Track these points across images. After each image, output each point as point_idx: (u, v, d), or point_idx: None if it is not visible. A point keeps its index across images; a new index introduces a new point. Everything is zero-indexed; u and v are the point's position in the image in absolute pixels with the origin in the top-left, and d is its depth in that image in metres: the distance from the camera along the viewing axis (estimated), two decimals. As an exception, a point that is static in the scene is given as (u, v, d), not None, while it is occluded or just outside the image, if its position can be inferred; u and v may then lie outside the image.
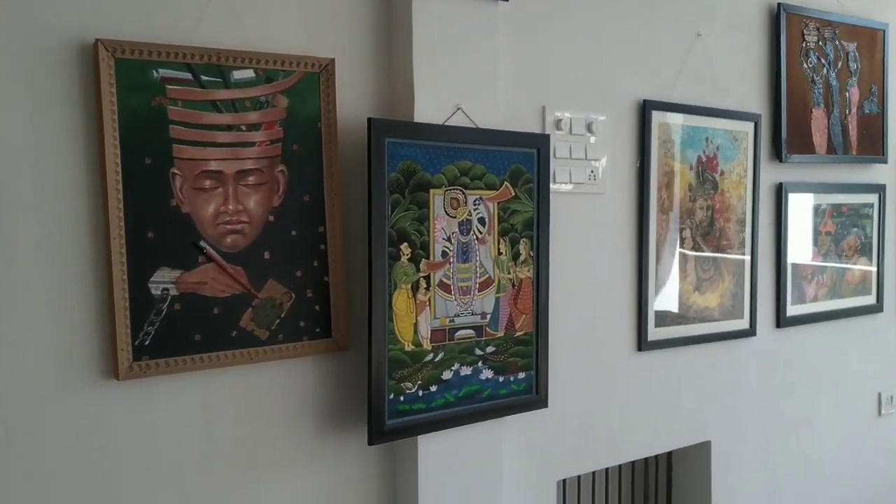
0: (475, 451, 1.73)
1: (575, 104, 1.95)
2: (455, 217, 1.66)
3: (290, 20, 1.53)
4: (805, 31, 2.46)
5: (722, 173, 2.28)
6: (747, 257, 2.36)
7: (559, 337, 1.93)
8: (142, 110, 1.37)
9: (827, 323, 2.62)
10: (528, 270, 1.78)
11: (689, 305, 2.22)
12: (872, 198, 2.75)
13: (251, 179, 1.48)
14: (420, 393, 1.62)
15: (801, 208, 2.51)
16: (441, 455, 1.67)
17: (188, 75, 1.41)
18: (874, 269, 2.77)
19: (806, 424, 2.57)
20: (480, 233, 1.70)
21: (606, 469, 2.25)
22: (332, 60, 1.54)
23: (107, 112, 1.33)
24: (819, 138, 2.52)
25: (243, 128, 1.47)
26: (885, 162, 2.74)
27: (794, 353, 2.52)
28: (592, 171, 2.00)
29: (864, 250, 2.73)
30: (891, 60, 2.74)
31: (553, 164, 1.91)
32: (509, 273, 1.75)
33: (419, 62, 1.60)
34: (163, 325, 1.41)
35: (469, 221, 1.68)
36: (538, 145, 1.78)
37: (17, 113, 1.28)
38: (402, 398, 1.59)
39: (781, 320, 2.48)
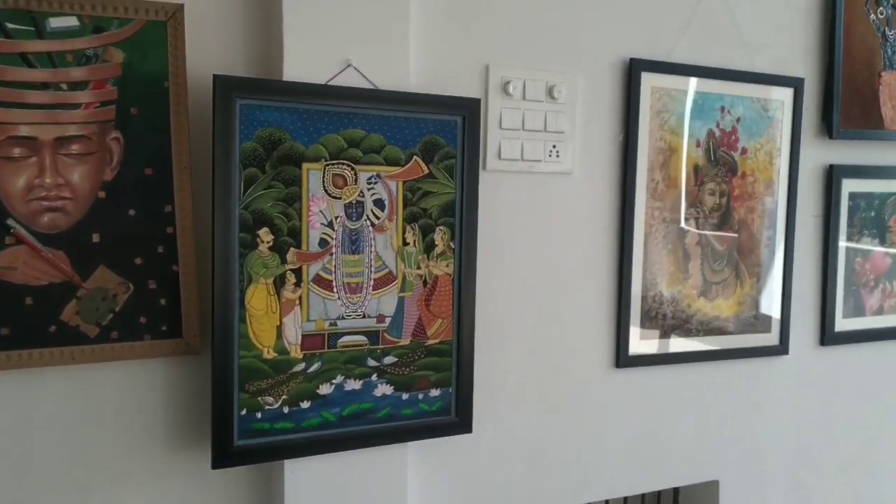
0: (369, 483, 1.46)
1: (532, 63, 1.62)
2: (340, 198, 1.38)
3: (131, -42, 1.29)
4: (874, -26, 1.98)
5: (744, 151, 1.87)
6: (779, 257, 1.93)
7: (503, 347, 1.63)
8: (-70, 66, 1.18)
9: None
10: (447, 266, 1.48)
11: (691, 314, 1.84)
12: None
13: (75, 148, 1.27)
14: (285, 409, 1.36)
15: (861, 197, 2.03)
16: (318, 486, 1.41)
17: (-10, 24, 1.20)
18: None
19: (859, 467, 2.11)
20: (378, 218, 1.41)
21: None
22: (181, 7, 1.30)
23: None
24: (891, 109, 2.03)
25: (64, 86, 1.26)
26: None
27: (846, 377, 2.07)
28: (555, 146, 1.65)
29: (958, 252, 2.20)
30: None
31: (496, 135, 1.59)
32: (419, 268, 1.46)
33: (291, 5, 1.32)
34: (-39, 315, 1.22)
35: (360, 204, 1.40)
36: (464, 111, 1.47)
37: None
38: (258, 415, 1.34)
39: (827, 336, 2.03)
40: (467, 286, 1.51)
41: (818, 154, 1.99)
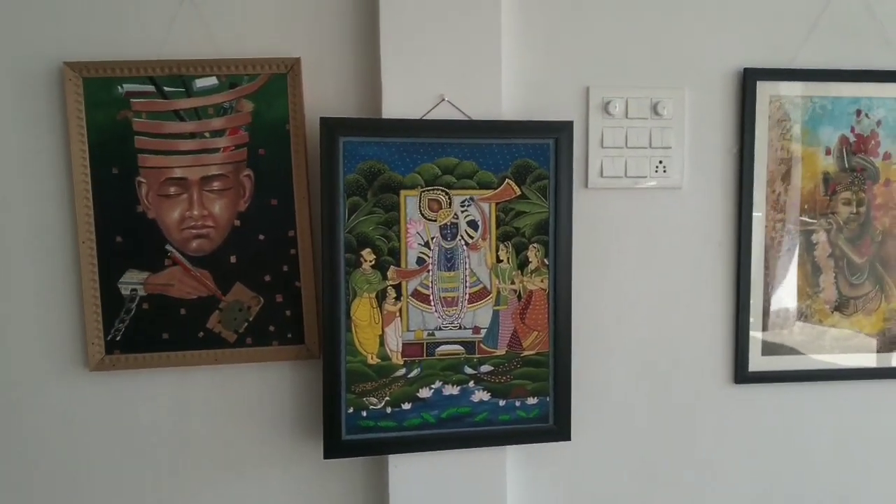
0: (468, 483, 1.62)
1: (634, 81, 1.68)
2: (435, 220, 1.55)
3: (258, 22, 1.57)
4: None
5: (886, 156, 1.78)
6: (936, 269, 1.80)
7: (607, 360, 1.71)
8: (108, 124, 1.52)
9: None
10: (542, 281, 1.59)
11: (824, 329, 1.78)
12: None
13: (216, 185, 1.56)
14: (388, 410, 1.56)
15: None
16: (419, 481, 1.59)
17: (151, 87, 1.53)
18: None
19: None
20: (472, 237, 1.57)
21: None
22: (298, 60, 1.54)
23: (74, 128, 1.51)
24: None
25: (207, 134, 1.55)
26: None
27: None
28: (661, 162, 1.70)
29: None
30: None
31: (598, 154, 1.68)
32: (512, 283, 1.59)
33: (387, 50, 1.53)
34: (133, 322, 1.56)
35: (455, 225, 1.56)
36: (556, 134, 1.58)
37: (7, 132, 1.52)
38: (364, 413, 1.55)
39: None
40: (563, 300, 1.60)
41: None
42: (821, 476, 1.80)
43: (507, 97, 1.60)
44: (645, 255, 1.71)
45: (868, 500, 1.82)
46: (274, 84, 1.55)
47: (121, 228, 1.54)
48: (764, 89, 1.72)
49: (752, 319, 1.75)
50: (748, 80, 1.71)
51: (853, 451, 1.81)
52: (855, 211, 1.77)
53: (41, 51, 1.52)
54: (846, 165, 1.76)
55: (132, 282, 1.55)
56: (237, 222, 1.56)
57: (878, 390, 1.80)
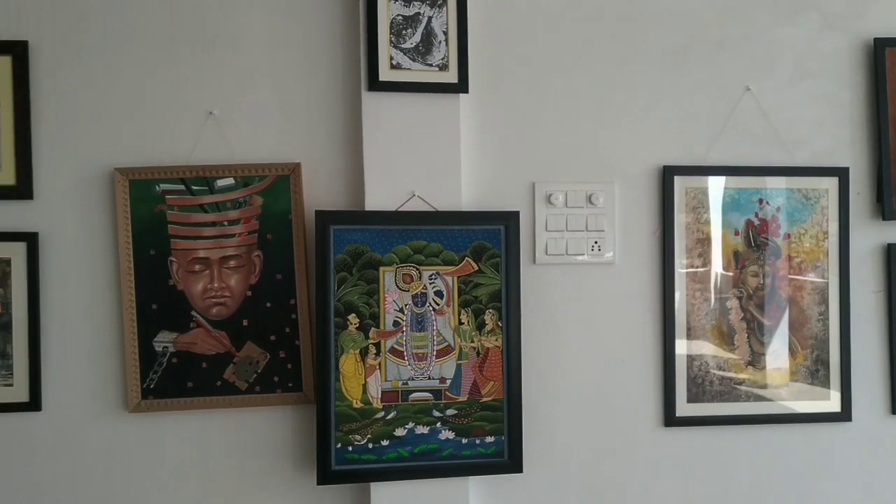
0: (438, 505, 1.95)
1: (573, 177, 2.07)
2: (408, 291, 1.94)
3: (267, 133, 1.98)
4: (922, 65, 2.19)
5: (787, 236, 2.15)
6: (834, 329, 2.16)
7: (554, 405, 2.05)
8: (148, 216, 1.93)
9: None
10: (496, 340, 1.96)
11: (739, 382, 2.13)
12: None
13: (232, 263, 1.96)
14: (370, 445, 1.91)
15: (928, 272, 2.19)
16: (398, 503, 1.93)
17: (182, 187, 1.94)
18: None
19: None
20: (438, 304, 1.95)
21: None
22: (298, 164, 1.96)
23: (121, 219, 1.92)
24: (955, 188, 2.19)
25: (225, 223, 1.96)
26: None
27: (925, 445, 2.19)
28: (596, 242, 2.09)
29: None
30: None
31: (544, 236, 2.06)
32: (472, 342, 1.96)
33: (369, 156, 1.93)
34: (164, 373, 1.94)
35: (424, 294, 1.94)
36: (506, 222, 1.97)
37: (68, 223, 1.94)
38: (350, 448, 1.91)
39: (899, 405, 2.18)
40: (514, 355, 1.97)
41: (876, 234, 2.18)
42: (740, 507, 2.12)
43: (466, 192, 2.00)
44: (585, 317, 2.08)
45: (783, 529, 2.13)
46: (280, 183, 1.96)
47: (156, 298, 1.94)
48: (681, 182, 2.11)
49: (677, 372, 2.10)
50: (667, 175, 2.10)
51: (766, 486, 2.13)
52: (762, 282, 2.14)
53: (96, 158, 1.94)
54: (753, 244, 2.13)
55: (164, 340, 1.94)
56: (249, 293, 1.96)
57: (784, 433, 2.13)
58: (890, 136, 2.15)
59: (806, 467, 2.14)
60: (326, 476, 1.88)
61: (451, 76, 1.97)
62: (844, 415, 2.14)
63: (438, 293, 1.93)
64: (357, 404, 1.90)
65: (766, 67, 2.15)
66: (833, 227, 2.15)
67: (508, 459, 1.96)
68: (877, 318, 2.17)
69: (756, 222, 2.12)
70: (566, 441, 2.05)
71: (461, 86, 1.97)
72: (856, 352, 2.14)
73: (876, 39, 2.16)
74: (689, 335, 2.09)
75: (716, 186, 2.11)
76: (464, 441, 1.94)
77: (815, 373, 2.14)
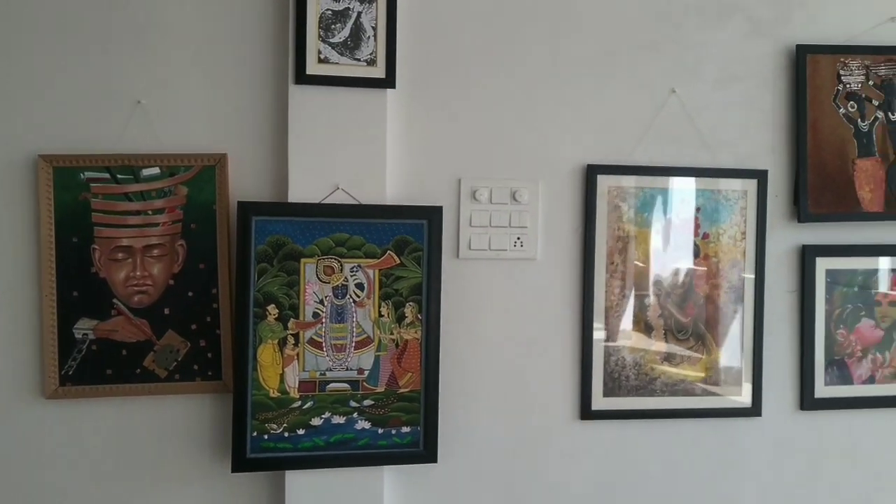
0: (352, 497, 1.99)
1: (498, 174, 2.11)
2: (329, 283, 1.96)
3: (195, 123, 1.99)
4: (842, 72, 2.25)
5: (705, 236, 2.21)
6: (748, 328, 2.22)
7: (473, 397, 2.09)
8: (71, 203, 1.94)
9: (894, 410, 2.29)
10: (415, 332, 2.00)
11: (655, 377, 2.19)
12: (984, 261, 2.33)
13: (155, 252, 1.97)
14: (286, 434, 1.95)
15: (841, 274, 2.26)
16: (312, 494, 1.97)
17: (107, 175, 1.95)
18: None
19: (852, 528, 2.28)
20: (358, 296, 1.98)
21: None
22: (225, 155, 1.97)
23: (44, 206, 1.92)
24: (869, 193, 2.26)
25: (150, 212, 1.97)
26: None
27: (832, 441, 2.27)
28: (519, 238, 2.13)
29: (965, 325, 2.32)
30: None
31: (467, 231, 2.10)
32: (392, 334, 1.99)
33: (294, 149, 1.95)
34: (83, 360, 1.96)
35: (345, 286, 1.97)
36: (429, 216, 2.00)
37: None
38: (265, 436, 1.94)
39: (807, 402, 2.26)
40: (432, 348, 2.01)
41: (792, 236, 2.25)
42: (650, 499, 2.18)
43: (391, 186, 2.03)
44: (506, 312, 2.12)
45: (692, 519, 2.21)
46: (205, 173, 1.97)
47: (78, 285, 1.95)
48: (603, 181, 2.16)
49: (594, 367, 2.15)
50: (590, 173, 2.15)
51: (678, 477, 2.20)
52: (680, 280, 2.19)
53: (20, 144, 1.94)
54: (672, 243, 2.19)
55: (84, 328, 1.95)
56: (171, 282, 1.97)
57: (698, 427, 2.19)
58: (808, 140, 2.21)
59: (717, 460, 2.21)
60: (241, 464, 1.91)
61: (378, 71, 2.00)
62: (755, 410, 2.22)
63: (359, 285, 1.97)
64: (274, 394, 1.93)
65: (692, 71, 2.19)
66: (751, 228, 2.20)
67: (424, 450, 2.00)
68: (790, 317, 2.24)
69: (676, 222, 2.18)
70: (483, 432, 2.10)
71: (388, 81, 2.00)
72: (768, 349, 2.21)
73: (798, 46, 2.22)
74: (608, 331, 2.14)
75: (638, 186, 2.15)
76: (380, 431, 1.98)
77: (729, 369, 2.20)
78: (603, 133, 2.15)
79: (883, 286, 2.27)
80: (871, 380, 2.28)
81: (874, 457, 2.27)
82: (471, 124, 2.09)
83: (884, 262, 2.27)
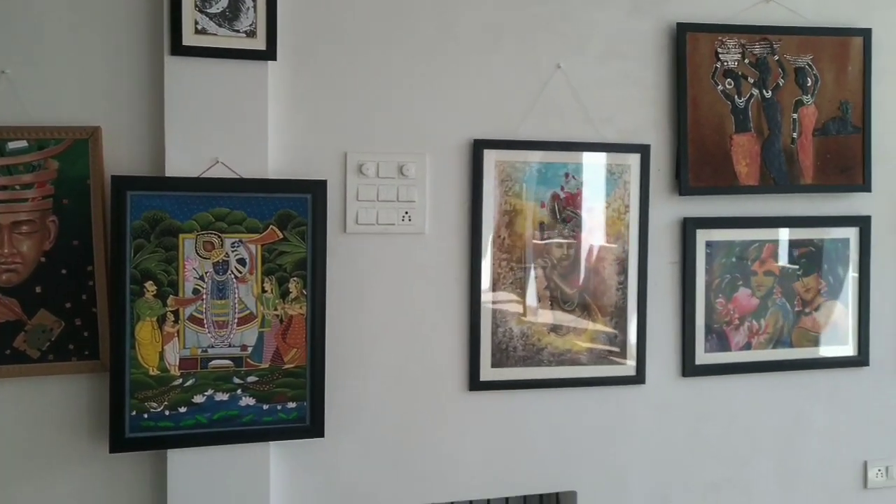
0: (237, 474, 1.98)
1: (385, 148, 2.11)
2: (209, 258, 1.93)
3: (66, 95, 1.92)
4: (720, 50, 2.32)
5: (591, 209, 2.25)
6: (632, 298, 2.29)
7: (363, 372, 2.10)
8: (-69, 177, 1.85)
9: (768, 375, 2.40)
10: (300, 308, 1.99)
11: (542, 347, 2.23)
12: (847, 232, 2.46)
13: (24, 228, 1.90)
14: (167, 412, 1.91)
15: (720, 245, 2.35)
16: (195, 472, 1.95)
17: (-31, 147, 1.86)
18: (853, 315, 2.46)
19: (731, 487, 2.38)
20: (240, 272, 1.95)
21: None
22: (98, 128, 1.91)
23: None
24: (745, 167, 2.35)
25: (17, 187, 1.89)
26: (868, 190, 2.43)
27: (712, 405, 2.37)
28: (407, 212, 2.13)
29: (833, 293, 2.45)
30: (877, 71, 2.42)
31: (354, 206, 2.09)
32: (276, 310, 1.98)
33: (171, 121, 1.91)
34: (-52, 342, 1.87)
35: (226, 262, 1.94)
36: (313, 190, 1.99)
37: None
38: (145, 415, 1.90)
39: (688, 368, 2.34)
40: (318, 323, 2.00)
41: (674, 209, 2.32)
42: (539, 464, 2.24)
43: (275, 160, 2.01)
44: (395, 286, 2.13)
45: (578, 483, 2.28)
46: (77, 147, 1.91)
47: (-60, 263, 1.86)
48: (490, 156, 2.18)
49: (482, 338, 2.19)
50: (477, 148, 2.17)
51: (566, 443, 2.26)
52: (566, 253, 2.25)
53: None
54: (558, 217, 2.23)
55: (-51, 308, 1.87)
56: (43, 259, 1.91)
57: (585, 396, 2.26)
58: (689, 116, 2.29)
59: (603, 428, 2.28)
60: (119, 444, 1.88)
61: (259, 43, 1.97)
62: (639, 378, 2.29)
63: (241, 261, 1.95)
64: (154, 371, 1.90)
65: (577, 47, 2.23)
66: (634, 202, 2.27)
67: (310, 424, 2.00)
68: (672, 287, 2.32)
69: (562, 195, 2.22)
70: (372, 406, 2.11)
71: (269, 53, 1.97)
72: (651, 319, 2.28)
73: (679, 24, 2.28)
74: (496, 303, 2.18)
75: (524, 160, 2.18)
76: (265, 407, 1.97)
77: (614, 338, 2.27)
78: (490, 107, 2.17)
79: (758, 257, 2.37)
80: (747, 346, 2.38)
81: (751, 420, 2.38)
82: (356, 97, 2.08)
83: (759, 234, 2.37)
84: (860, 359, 2.46)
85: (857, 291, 2.45)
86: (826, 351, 2.45)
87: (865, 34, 2.41)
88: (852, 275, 2.44)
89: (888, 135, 2.43)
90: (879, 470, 2.49)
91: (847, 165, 2.42)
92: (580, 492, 2.27)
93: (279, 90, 2.00)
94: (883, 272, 2.45)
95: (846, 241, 2.44)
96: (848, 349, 2.46)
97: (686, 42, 2.29)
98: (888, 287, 2.46)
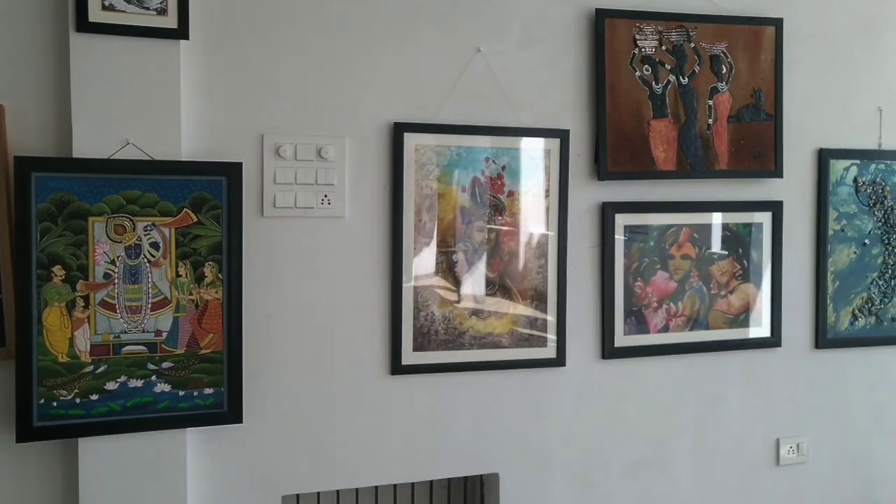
0: (153, 460, 1.96)
1: (303, 130, 2.10)
2: (121, 242, 1.90)
3: (-35, 73, 1.87)
4: (638, 37, 2.38)
5: (511, 194, 2.29)
6: (552, 282, 2.33)
7: (282, 357, 2.09)
8: None
9: (685, 356, 2.48)
10: (216, 292, 1.98)
11: (464, 331, 2.26)
12: (761, 217, 2.55)
13: (-77, 211, 1.84)
14: (77, 400, 1.88)
15: (639, 229, 2.41)
16: (108, 461, 1.92)
17: None
18: (767, 297, 2.56)
19: (650, 467, 2.46)
20: (154, 256, 1.93)
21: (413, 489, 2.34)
22: (1, 107, 1.86)
23: None
24: (662, 152, 2.42)
25: (-86, 168, 1.83)
26: (779, 176, 2.52)
27: (631, 386, 2.43)
28: (326, 196, 2.13)
29: (746, 276, 2.54)
30: (788, 60, 2.52)
31: (272, 189, 2.08)
32: (191, 294, 1.96)
33: (78, 101, 1.87)
34: None
35: (138, 246, 1.91)
36: (228, 173, 1.97)
37: None
38: (55, 403, 1.87)
39: (608, 351, 2.40)
40: (235, 308, 2.00)
41: (593, 193, 2.38)
42: (461, 448, 2.28)
43: (190, 142, 1.99)
44: (314, 270, 2.14)
45: (500, 465, 2.32)
46: (-22, 126, 1.86)
47: None
48: (410, 139, 2.20)
49: (404, 322, 2.21)
50: (397, 132, 2.18)
51: (488, 426, 2.30)
52: (487, 237, 2.28)
53: None
54: (479, 201, 2.27)
55: None
56: (-55, 243, 1.86)
57: (506, 379, 2.30)
58: (607, 101, 2.34)
59: (524, 410, 2.33)
60: (27, 433, 1.85)
61: (170, 21, 1.95)
62: (560, 360, 2.35)
63: (154, 245, 1.93)
64: (63, 358, 1.87)
65: (497, 31, 2.26)
66: (554, 186, 2.32)
67: (228, 410, 2.00)
68: (592, 271, 2.38)
69: (483, 180, 2.25)
70: (292, 391, 2.12)
71: (181, 31, 1.95)
72: (571, 302, 2.33)
73: (598, 10, 2.34)
74: (417, 287, 2.20)
75: (445, 144, 2.21)
76: (181, 393, 1.96)
77: (535, 322, 2.32)
78: (410, 90, 2.19)
79: (676, 241, 2.44)
80: (665, 328, 2.46)
81: (669, 400, 2.46)
82: (273, 79, 2.07)
83: (676, 218, 2.44)
84: (773, 340, 2.56)
85: (770, 274, 2.54)
86: (740, 332, 2.53)
87: (777, 24, 2.49)
88: (765, 258, 2.53)
89: (799, 122, 2.52)
90: (791, 447, 2.60)
91: (760, 152, 2.51)
92: (502, 473, 2.31)
93: (192, 70, 1.98)
94: (794, 255, 2.55)
95: (760, 226, 2.53)
96: (762, 330, 2.56)
97: (605, 28, 2.34)
98: (799, 270, 2.56)
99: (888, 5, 2.62)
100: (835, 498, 2.65)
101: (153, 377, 1.93)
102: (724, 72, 2.45)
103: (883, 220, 2.64)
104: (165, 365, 1.94)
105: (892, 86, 2.63)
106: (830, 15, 2.56)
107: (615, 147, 2.36)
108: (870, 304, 2.64)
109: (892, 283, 2.66)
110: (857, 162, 2.61)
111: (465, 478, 2.39)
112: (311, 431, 2.14)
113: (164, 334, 1.94)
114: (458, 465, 2.28)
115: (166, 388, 1.95)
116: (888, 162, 2.63)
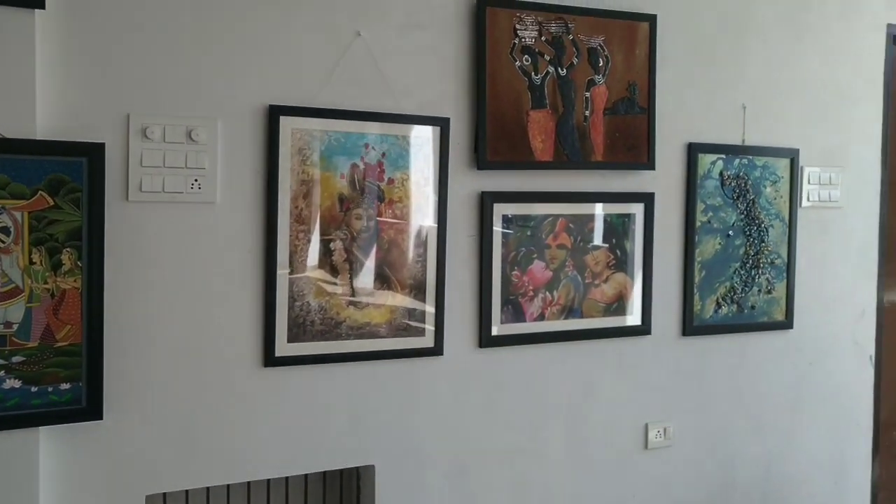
0: (1, 461, 1.86)
1: (172, 111, 2.04)
2: (-35, 227, 1.78)
3: None
4: (518, 27, 2.43)
5: (390, 181, 2.30)
6: (431, 271, 2.36)
7: (148, 349, 2.03)
8: None
9: (560, 344, 2.57)
10: (75, 281, 1.89)
11: (340, 321, 2.26)
12: (634, 208, 2.67)
13: None
14: (-87, 399, 1.76)
15: (517, 219, 2.47)
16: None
17: None
18: (639, 287, 2.68)
19: (525, 454, 2.54)
20: (4, 242, 1.82)
21: (287, 485, 2.33)
22: None
23: None
24: (540, 143, 2.49)
25: None
26: (652, 168, 2.65)
27: (507, 375, 2.50)
28: (196, 180, 2.07)
29: (620, 266, 2.65)
30: (661, 56, 2.64)
31: (138, 172, 2.01)
32: (46, 283, 1.86)
33: (-84, 74, 1.74)
34: None
35: (-14, 231, 1.80)
36: (88, 154, 1.89)
37: None
38: None
39: (484, 340, 2.46)
40: (95, 298, 1.92)
41: (472, 182, 2.42)
42: (337, 440, 2.29)
43: (46, 120, 1.90)
44: (183, 258, 2.09)
45: (376, 457, 2.35)
46: None
47: None
48: (287, 123, 2.18)
49: (278, 313, 2.19)
50: (273, 115, 2.15)
51: (364, 418, 2.32)
52: (365, 224, 2.29)
53: None
54: (357, 188, 2.27)
55: None
56: None
57: (383, 369, 2.33)
58: (487, 91, 2.40)
59: (402, 400, 2.37)
60: None
61: (23, -12, 1.84)
62: (437, 349, 2.39)
63: (4, 230, 1.83)
64: None
65: (378, 15, 2.27)
66: (433, 175, 2.36)
67: (87, 406, 1.94)
68: (470, 260, 2.44)
69: (361, 166, 2.26)
70: (159, 385, 2.07)
71: (36, 0, 1.85)
72: (450, 292, 2.38)
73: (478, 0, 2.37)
74: (292, 276, 2.19)
75: (323, 129, 2.20)
76: (34, 389, 1.88)
77: (413, 311, 2.35)
78: (288, 73, 2.17)
79: (552, 231, 2.54)
80: (541, 317, 2.55)
81: (544, 388, 2.56)
82: (140, 55, 2.01)
83: (553, 209, 2.53)
84: (644, 328, 2.70)
85: (641, 264, 2.68)
86: (614, 321, 2.66)
87: (651, 20, 2.62)
88: (638, 248, 2.66)
89: (670, 117, 2.67)
90: (658, 431, 2.76)
91: (634, 144, 2.63)
92: (378, 465, 2.35)
93: (50, 43, 1.89)
94: (664, 246, 2.70)
95: (632, 217, 2.66)
96: (633, 318, 2.69)
97: (486, 16, 2.39)
98: (669, 260, 2.71)
99: (753, 8, 2.80)
100: (699, 478, 2.83)
101: (2, 372, 1.85)
102: (601, 64, 2.56)
103: (745, 213, 2.83)
104: (16, 359, 1.86)
105: (755, 84, 2.82)
106: (700, 14, 2.71)
107: (494, 137, 2.42)
108: (732, 293, 2.83)
109: (753, 272, 2.86)
110: (723, 156, 2.78)
111: (341, 471, 2.40)
112: (178, 427, 2.10)
113: (15, 326, 1.86)
114: (333, 458, 2.30)
115: (17, 384, 1.86)
116: (750, 157, 2.82)
